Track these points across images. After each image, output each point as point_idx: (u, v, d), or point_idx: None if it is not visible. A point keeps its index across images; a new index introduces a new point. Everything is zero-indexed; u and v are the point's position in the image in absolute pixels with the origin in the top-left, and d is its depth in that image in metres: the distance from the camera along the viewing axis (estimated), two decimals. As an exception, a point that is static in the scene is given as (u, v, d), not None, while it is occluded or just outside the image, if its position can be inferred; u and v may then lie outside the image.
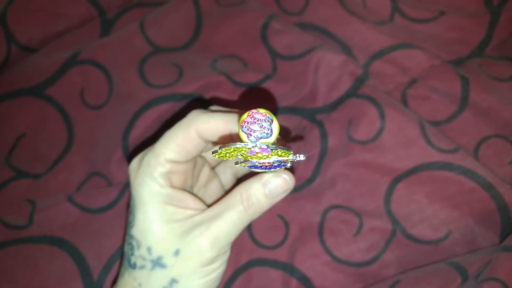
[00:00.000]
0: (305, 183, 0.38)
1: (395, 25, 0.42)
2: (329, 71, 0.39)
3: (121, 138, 0.39)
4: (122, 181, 0.38)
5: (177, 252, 0.25)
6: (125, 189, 0.37)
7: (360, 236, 0.35)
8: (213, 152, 0.22)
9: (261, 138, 0.21)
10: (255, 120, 0.21)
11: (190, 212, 0.26)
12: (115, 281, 0.33)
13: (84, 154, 0.39)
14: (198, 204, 0.27)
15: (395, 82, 0.40)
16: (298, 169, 0.38)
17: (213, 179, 0.32)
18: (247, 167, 0.23)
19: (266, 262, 0.36)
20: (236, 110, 0.28)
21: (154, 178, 0.26)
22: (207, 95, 0.39)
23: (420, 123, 0.36)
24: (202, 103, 0.40)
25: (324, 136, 0.38)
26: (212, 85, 0.39)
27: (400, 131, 0.36)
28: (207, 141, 0.27)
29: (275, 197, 0.26)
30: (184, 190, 0.28)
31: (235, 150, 0.21)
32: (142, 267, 0.26)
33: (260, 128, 0.21)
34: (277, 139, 0.22)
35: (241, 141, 0.21)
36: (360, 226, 0.35)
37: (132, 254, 0.27)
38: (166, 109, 0.39)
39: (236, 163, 0.23)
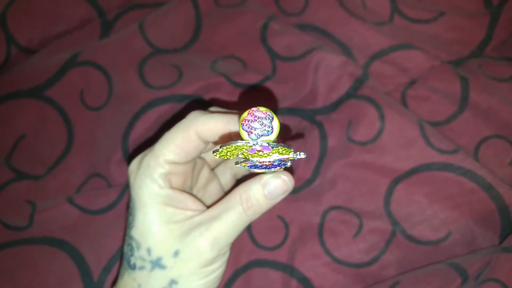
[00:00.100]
0: (305, 184, 0.38)
1: (395, 26, 0.42)
2: (328, 72, 0.39)
3: (120, 139, 0.39)
4: (122, 182, 0.38)
5: (176, 253, 0.26)
6: (125, 190, 0.37)
7: (360, 237, 0.35)
8: (213, 151, 0.22)
9: (262, 135, 0.21)
10: (256, 118, 0.21)
11: (189, 213, 0.26)
12: (115, 281, 0.33)
13: (84, 155, 0.39)
14: (197, 205, 0.27)
15: (395, 82, 0.40)
16: (298, 170, 0.38)
17: (212, 180, 0.32)
18: (247, 167, 0.23)
19: (266, 263, 0.36)
20: (235, 111, 0.28)
21: (153, 179, 0.26)
22: (207, 96, 0.40)
23: (420, 123, 0.36)
24: (202, 104, 0.40)
25: (323, 137, 0.38)
26: (212, 86, 0.39)
27: (399, 132, 0.36)
28: (206, 142, 0.27)
29: (274, 198, 0.26)
30: (184, 191, 0.28)
31: (236, 149, 0.21)
32: (141, 268, 0.26)
33: (261, 125, 0.21)
34: (277, 138, 0.22)
35: (242, 140, 0.21)
36: (360, 226, 0.35)
37: (131, 255, 0.27)
38: (165, 110, 0.39)
39: (237, 163, 0.23)
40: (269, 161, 0.22)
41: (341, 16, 0.41)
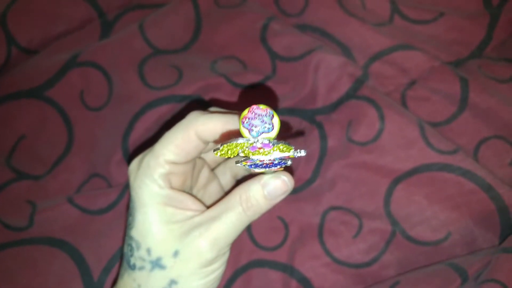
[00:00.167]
0: (304, 184, 0.38)
1: (395, 26, 0.42)
2: (328, 72, 0.39)
3: (121, 139, 0.39)
4: (122, 183, 0.38)
5: (176, 253, 0.26)
6: (125, 190, 0.37)
7: (360, 237, 0.35)
8: (214, 150, 0.22)
9: (262, 133, 0.21)
10: (256, 115, 0.21)
11: (189, 213, 0.26)
12: (115, 282, 0.33)
13: (84, 156, 0.39)
14: (197, 205, 0.27)
15: (395, 83, 0.40)
16: (298, 170, 0.38)
17: (212, 181, 0.32)
18: (247, 166, 0.23)
19: (265, 263, 0.36)
20: (235, 111, 0.28)
21: (153, 179, 0.26)
22: (207, 97, 0.40)
23: (420, 124, 0.36)
24: (202, 105, 0.40)
25: (323, 137, 0.38)
26: (212, 86, 0.39)
27: (399, 133, 0.36)
28: (206, 142, 0.27)
29: (274, 199, 0.26)
30: (184, 191, 0.28)
31: (237, 146, 0.21)
32: (141, 268, 0.26)
33: (261, 123, 0.21)
34: (278, 137, 0.22)
35: (243, 138, 0.21)
36: (360, 227, 0.35)
37: (131, 255, 0.27)
38: (165, 110, 0.39)
39: (237, 162, 0.23)
40: (270, 160, 0.22)
41: (341, 17, 0.41)
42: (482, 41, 0.41)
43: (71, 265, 0.34)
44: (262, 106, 0.21)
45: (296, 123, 0.40)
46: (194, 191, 0.31)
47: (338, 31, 0.41)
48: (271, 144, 0.21)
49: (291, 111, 0.40)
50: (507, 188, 0.33)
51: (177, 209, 0.26)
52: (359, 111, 0.38)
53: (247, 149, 0.21)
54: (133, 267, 0.27)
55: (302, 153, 0.22)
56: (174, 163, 0.26)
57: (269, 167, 0.24)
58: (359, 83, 0.38)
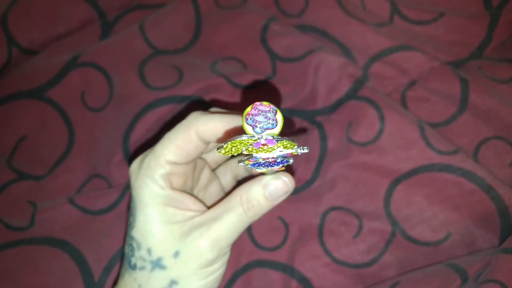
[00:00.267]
0: (305, 184, 0.38)
1: (395, 27, 0.42)
2: (328, 73, 0.39)
3: (121, 140, 0.39)
4: (123, 183, 0.38)
5: (177, 254, 0.26)
6: (126, 191, 0.37)
7: (359, 237, 0.35)
8: (218, 148, 0.22)
9: (266, 129, 0.21)
10: (260, 112, 0.21)
11: (190, 213, 0.26)
12: (115, 282, 0.33)
13: (85, 156, 0.39)
14: (198, 206, 0.27)
15: (395, 84, 0.40)
16: (298, 170, 0.38)
17: (213, 181, 0.32)
18: (250, 166, 0.23)
19: (266, 263, 0.36)
20: (236, 111, 0.28)
21: (154, 179, 0.26)
22: (207, 97, 0.40)
23: (420, 125, 0.36)
24: (202, 105, 0.40)
25: (323, 138, 0.38)
26: (212, 87, 0.39)
27: (399, 133, 0.36)
28: (207, 143, 0.27)
29: (275, 199, 0.26)
30: (184, 191, 0.28)
31: (241, 143, 0.21)
32: (142, 268, 0.26)
33: (265, 119, 0.21)
34: (280, 134, 0.22)
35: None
36: (360, 227, 0.36)
37: (132, 255, 0.27)
38: (166, 111, 0.39)
39: (240, 161, 0.23)
40: (273, 158, 0.22)
41: (341, 17, 0.41)
42: (482, 42, 0.42)
43: (72, 265, 0.34)
44: (265, 103, 0.21)
45: (296, 123, 0.40)
46: (195, 192, 0.31)
47: (338, 31, 0.41)
48: (275, 140, 0.21)
49: (291, 111, 0.40)
50: (507, 189, 0.33)
51: (177, 210, 0.26)
52: (359, 112, 0.38)
53: (251, 146, 0.21)
54: (133, 267, 0.27)
55: (305, 150, 0.22)
56: (174, 163, 0.26)
57: (272, 165, 0.24)
58: (359, 83, 0.38)
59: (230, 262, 0.33)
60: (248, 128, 0.21)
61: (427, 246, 0.34)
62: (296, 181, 0.37)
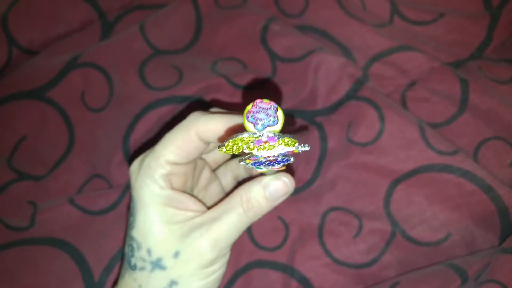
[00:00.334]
0: (305, 185, 0.38)
1: (395, 27, 0.42)
2: (328, 73, 0.39)
3: (121, 140, 0.39)
4: (123, 183, 0.38)
5: (177, 254, 0.26)
6: (126, 191, 0.37)
7: (359, 237, 0.35)
8: (219, 147, 0.22)
9: (267, 126, 0.21)
10: (260, 109, 0.21)
11: (190, 214, 0.26)
12: (116, 282, 0.33)
13: (85, 156, 0.39)
14: (198, 206, 0.27)
15: (395, 84, 0.40)
16: (298, 171, 0.38)
17: (213, 181, 0.32)
18: (251, 165, 0.23)
19: (266, 263, 0.36)
20: (236, 112, 0.28)
21: (154, 180, 0.26)
22: (207, 98, 0.40)
23: (420, 125, 0.36)
24: (202, 106, 0.40)
25: (323, 138, 0.38)
26: (212, 87, 0.39)
27: (399, 133, 0.36)
28: (207, 143, 0.27)
29: (275, 200, 0.26)
30: (185, 192, 0.28)
31: (242, 141, 0.21)
32: (142, 268, 0.26)
33: (266, 116, 0.21)
34: (281, 132, 0.22)
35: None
36: (360, 227, 0.36)
37: (132, 256, 0.27)
38: (166, 111, 0.39)
39: (240, 160, 0.23)
40: (274, 156, 0.22)
41: (341, 18, 0.41)
42: (482, 42, 0.42)
43: (72, 265, 0.34)
44: (265, 100, 0.21)
45: (296, 123, 0.40)
46: (195, 192, 0.31)
47: (338, 32, 0.41)
48: (276, 138, 0.21)
49: (291, 112, 0.40)
50: (507, 189, 0.33)
51: (177, 210, 0.26)
52: (359, 112, 0.38)
53: (252, 143, 0.21)
54: (133, 267, 0.27)
55: (306, 147, 0.22)
56: (175, 163, 0.26)
57: (273, 164, 0.24)
58: (359, 84, 0.39)
59: (230, 262, 0.33)
60: (249, 126, 0.21)
61: (427, 246, 0.34)
62: (296, 181, 0.37)
